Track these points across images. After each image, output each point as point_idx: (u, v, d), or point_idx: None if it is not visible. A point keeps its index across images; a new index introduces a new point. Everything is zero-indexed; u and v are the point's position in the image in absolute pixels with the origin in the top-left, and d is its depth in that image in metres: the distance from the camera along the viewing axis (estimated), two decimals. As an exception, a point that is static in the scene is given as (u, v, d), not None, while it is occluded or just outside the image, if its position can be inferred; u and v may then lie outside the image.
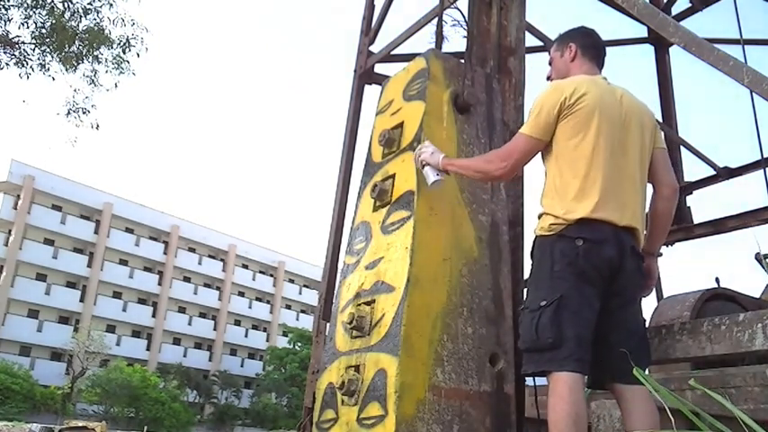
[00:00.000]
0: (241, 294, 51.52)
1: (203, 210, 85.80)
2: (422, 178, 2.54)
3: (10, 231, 38.61)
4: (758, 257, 4.13)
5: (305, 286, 55.74)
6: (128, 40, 11.01)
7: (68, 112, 11.16)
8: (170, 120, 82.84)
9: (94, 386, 34.66)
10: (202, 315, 48.80)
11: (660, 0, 5.82)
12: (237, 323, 50.90)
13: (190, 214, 79.96)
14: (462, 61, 3.00)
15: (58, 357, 39.38)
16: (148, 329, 44.92)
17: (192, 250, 49.12)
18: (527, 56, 3.44)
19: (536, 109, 2.27)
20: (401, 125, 2.84)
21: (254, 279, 52.38)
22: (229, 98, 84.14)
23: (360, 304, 2.55)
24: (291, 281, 55.76)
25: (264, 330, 52.81)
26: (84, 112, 11.19)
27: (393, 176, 2.74)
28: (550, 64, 2.55)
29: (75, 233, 41.55)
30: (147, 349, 44.26)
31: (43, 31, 10.32)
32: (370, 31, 5.26)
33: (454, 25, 3.15)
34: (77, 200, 41.93)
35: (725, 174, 5.35)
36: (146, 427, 32.70)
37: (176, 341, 46.77)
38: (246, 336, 50.63)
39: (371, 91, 5.25)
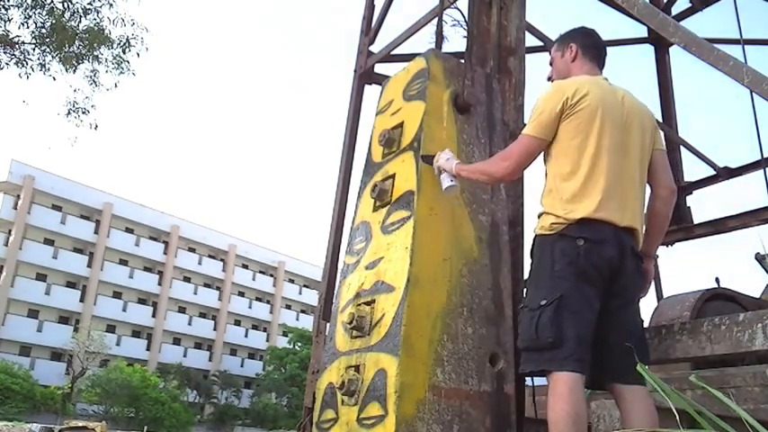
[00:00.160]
0: (241, 294, 51.52)
1: (203, 210, 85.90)
2: (422, 179, 2.56)
3: (10, 231, 38.61)
4: (758, 257, 4.13)
5: (305, 286, 55.74)
6: (128, 40, 11.02)
7: (68, 112, 11.18)
8: (170, 120, 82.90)
9: (94, 386, 34.66)
10: (202, 315, 48.79)
11: (660, 0, 5.82)
12: (237, 323, 50.90)
13: (190, 214, 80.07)
14: (462, 61, 3.00)
15: (58, 357, 39.38)
16: (148, 329, 44.91)
17: (192, 250, 49.12)
18: (527, 56, 3.44)
19: (538, 109, 2.28)
20: (401, 125, 2.84)
21: (254, 279, 52.38)
22: (229, 98, 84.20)
23: (360, 304, 2.55)
24: (291, 281, 55.76)
25: (264, 330, 52.81)
26: (83, 112, 11.21)
27: (393, 176, 2.74)
28: (551, 64, 2.55)
29: (75, 233, 41.55)
30: (147, 349, 44.26)
31: (43, 31, 10.32)
32: (370, 31, 5.26)
33: (454, 25, 3.15)
34: (77, 200, 41.93)
35: (725, 174, 5.35)
36: (146, 427, 32.69)
37: (176, 341, 46.76)
38: (246, 336, 50.63)
39: (371, 91, 5.25)
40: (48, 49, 10.47)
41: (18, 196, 39.12)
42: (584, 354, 2.06)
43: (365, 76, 5.12)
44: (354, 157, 4.99)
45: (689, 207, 5.53)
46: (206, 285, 49.50)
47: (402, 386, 2.21)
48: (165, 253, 46.74)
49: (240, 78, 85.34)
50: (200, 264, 48.99)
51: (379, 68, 5.14)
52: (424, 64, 2.88)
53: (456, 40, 3.18)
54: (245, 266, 52.20)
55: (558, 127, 2.24)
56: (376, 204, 2.77)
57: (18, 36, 10.40)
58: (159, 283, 46.03)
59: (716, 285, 3.72)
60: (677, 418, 1.08)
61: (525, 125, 2.37)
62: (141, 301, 45.20)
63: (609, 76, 2.46)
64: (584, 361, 2.06)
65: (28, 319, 38.68)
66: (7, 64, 10.47)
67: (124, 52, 10.99)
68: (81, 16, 10.36)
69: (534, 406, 2.47)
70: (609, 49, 2.59)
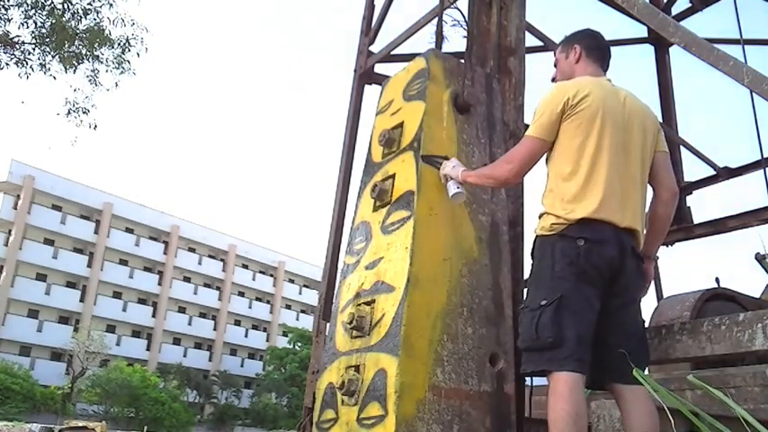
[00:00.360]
0: (241, 294, 51.51)
1: (203, 210, 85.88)
2: (422, 179, 2.56)
3: (10, 231, 38.61)
4: (758, 257, 4.13)
5: (305, 286, 55.73)
6: (127, 40, 11.01)
7: (68, 112, 11.16)
8: (170, 120, 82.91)
9: (94, 386, 34.65)
10: (202, 315, 48.79)
11: (660, 0, 5.82)
12: (237, 323, 50.89)
13: (190, 214, 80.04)
14: (462, 61, 3.00)
15: (58, 357, 39.37)
16: (148, 329, 44.91)
17: (192, 250, 49.12)
18: (527, 56, 3.44)
19: (539, 111, 2.29)
20: (401, 125, 2.84)
21: (254, 279, 52.36)
22: (229, 98, 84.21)
23: (360, 304, 2.55)
24: (291, 281, 55.75)
25: (264, 330, 52.81)
26: (84, 112, 11.19)
27: (393, 176, 2.74)
28: (555, 66, 2.57)
29: (75, 233, 41.55)
30: (147, 349, 44.25)
31: (43, 31, 10.32)
32: (370, 31, 5.26)
33: (454, 25, 3.15)
34: (77, 200, 41.92)
35: (725, 174, 5.35)
36: (146, 427, 32.69)
37: (176, 341, 46.76)
38: (246, 336, 50.62)
39: (371, 91, 5.25)
40: (48, 49, 10.47)
41: (18, 196, 39.11)
42: (585, 354, 2.06)
43: (365, 76, 5.12)
44: (354, 157, 4.99)
45: (689, 207, 5.53)
46: (206, 285, 49.49)
47: (402, 386, 2.21)
48: (165, 253, 46.74)
49: (240, 78, 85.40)
50: (200, 264, 48.99)
51: (379, 68, 5.14)
52: (423, 64, 2.88)
53: (456, 40, 3.18)
54: (245, 266, 52.19)
55: (560, 127, 2.25)
56: (376, 204, 2.77)
57: (18, 36, 10.40)
58: (159, 283, 46.02)
59: (716, 285, 3.72)
60: (672, 421, 1.08)
61: (526, 125, 2.37)
62: (141, 301, 45.19)
63: (609, 76, 2.46)
64: (585, 361, 2.06)
65: (28, 319, 38.67)
66: (7, 64, 10.47)
67: (124, 52, 10.99)
68: (81, 17, 10.36)
69: (530, 404, 2.47)
70: (609, 50, 2.59)
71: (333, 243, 4.84)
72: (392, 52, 4.97)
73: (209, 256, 49.98)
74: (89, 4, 10.44)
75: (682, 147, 5.70)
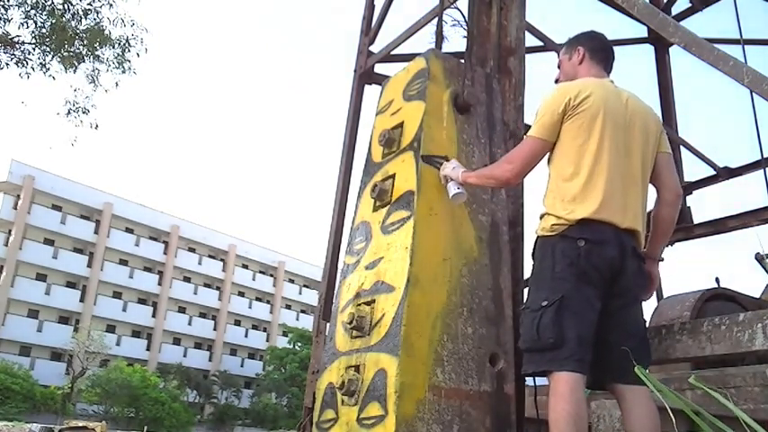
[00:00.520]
0: (241, 294, 51.51)
1: (203, 210, 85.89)
2: (422, 179, 2.56)
3: (10, 231, 38.61)
4: (758, 257, 4.13)
5: (305, 286, 55.72)
6: (127, 40, 11.01)
7: (68, 112, 11.16)
8: (170, 119, 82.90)
9: (94, 386, 34.65)
10: (202, 315, 48.79)
11: (660, 0, 5.82)
12: (237, 323, 50.88)
13: (190, 214, 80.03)
14: (462, 61, 3.00)
15: (58, 357, 39.37)
16: (148, 329, 44.91)
17: (192, 250, 49.11)
18: (527, 56, 3.44)
19: (541, 111, 2.30)
20: (401, 125, 2.84)
21: (254, 279, 52.36)
22: (229, 98, 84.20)
23: (360, 304, 2.55)
24: (291, 281, 55.75)
25: (264, 330, 52.81)
26: (84, 112, 11.19)
27: (393, 176, 2.74)
28: (559, 67, 2.58)
29: (75, 233, 41.55)
30: (147, 349, 44.25)
31: (43, 31, 10.32)
32: (370, 31, 5.26)
33: (454, 25, 3.14)
34: (77, 200, 41.92)
35: (725, 174, 5.35)
36: (146, 427, 32.69)
37: (176, 341, 46.76)
38: (246, 336, 50.62)
39: (371, 91, 5.25)
40: (48, 49, 10.47)
41: (18, 196, 39.11)
42: (585, 354, 2.06)
43: (365, 76, 5.12)
44: (354, 157, 4.99)
45: (689, 207, 5.54)
46: (206, 285, 49.48)
47: (402, 386, 2.21)
48: (165, 253, 46.74)
49: (240, 78, 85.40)
50: (200, 264, 48.98)
51: (379, 68, 5.14)
52: (423, 64, 2.88)
53: (456, 40, 3.18)
54: (245, 266, 52.18)
55: (561, 128, 2.25)
56: (376, 204, 2.77)
57: (18, 36, 10.40)
58: (159, 283, 46.01)
59: (716, 285, 3.72)
60: (674, 420, 1.08)
61: (526, 125, 2.38)
62: (141, 301, 45.18)
63: (610, 76, 2.47)
64: (585, 361, 2.06)
65: (28, 319, 38.67)
66: (7, 64, 10.46)
67: (124, 53, 10.99)
68: (81, 17, 10.36)
69: (536, 406, 2.46)
70: (609, 50, 2.59)
71: (333, 243, 4.84)
72: (392, 52, 4.97)
73: (209, 256, 49.97)
74: (89, 4, 10.44)
75: (682, 147, 5.71)
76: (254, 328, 52.27)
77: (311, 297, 51.64)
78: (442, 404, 2.30)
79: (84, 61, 10.74)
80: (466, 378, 2.40)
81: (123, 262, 44.60)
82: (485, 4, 3.40)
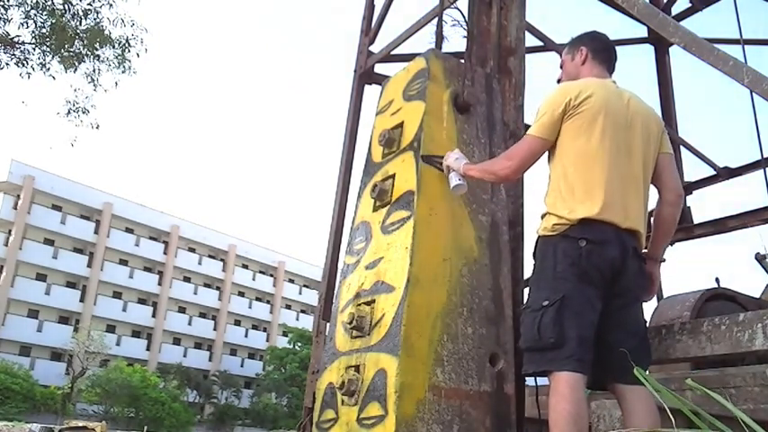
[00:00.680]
0: (241, 294, 51.50)
1: (203, 210, 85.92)
2: (422, 179, 2.56)
3: (10, 231, 38.60)
4: (758, 257, 4.13)
5: (305, 286, 55.71)
6: (127, 40, 11.02)
7: (68, 112, 11.17)
8: (170, 119, 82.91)
9: (94, 386, 34.65)
10: (202, 315, 48.78)
11: (660, 0, 5.82)
12: (237, 323, 50.88)
13: (190, 214, 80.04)
14: (462, 61, 3.00)
15: (58, 357, 39.37)
16: (148, 329, 44.90)
17: (192, 250, 49.11)
18: (527, 56, 3.44)
19: (542, 110, 2.30)
20: (401, 125, 2.84)
21: (254, 279, 52.36)
22: (229, 98, 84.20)
23: (360, 304, 2.54)
24: (291, 281, 55.74)
25: (264, 330, 52.80)
26: (84, 112, 11.20)
27: (393, 176, 2.74)
28: (561, 67, 2.57)
29: (75, 233, 41.54)
30: (147, 349, 44.25)
31: (43, 31, 10.32)
32: (370, 31, 5.25)
33: (454, 25, 3.14)
34: (77, 200, 41.92)
35: (725, 174, 5.35)
36: (146, 427, 32.68)
37: (176, 341, 46.75)
38: (246, 336, 50.62)
39: (371, 91, 5.25)
40: (48, 50, 10.47)
41: (18, 196, 39.11)
42: (586, 354, 2.06)
43: (365, 76, 5.12)
44: (354, 157, 4.99)
45: (689, 207, 5.53)
46: (206, 285, 49.48)
47: (402, 386, 2.21)
48: (165, 253, 46.73)
49: (240, 78, 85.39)
50: (200, 264, 48.97)
51: (379, 68, 5.14)
52: (423, 64, 2.88)
53: (456, 40, 3.18)
54: (245, 266, 52.18)
55: (561, 128, 2.25)
56: (376, 204, 2.77)
57: (18, 36, 10.40)
58: (159, 283, 46.01)
59: (716, 285, 3.72)
60: (673, 420, 1.08)
61: (526, 125, 2.38)
62: (141, 301, 45.18)
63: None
64: (586, 361, 2.06)
65: (28, 319, 38.67)
66: (7, 64, 10.47)
67: (124, 52, 11.00)
68: (81, 17, 10.36)
69: (537, 405, 2.46)
70: (609, 50, 2.59)
71: (333, 243, 4.83)
72: (392, 52, 4.96)
73: (209, 256, 49.96)
74: (89, 4, 10.45)
75: (682, 147, 5.70)
76: (254, 328, 52.26)
77: (311, 297, 51.64)
78: (442, 404, 2.30)
79: (84, 61, 10.75)
80: (466, 378, 2.40)
81: (123, 262, 44.59)
82: (485, 4, 3.40)
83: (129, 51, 11.02)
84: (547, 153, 2.34)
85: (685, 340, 2.40)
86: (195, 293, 48.32)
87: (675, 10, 5.76)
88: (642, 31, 6.00)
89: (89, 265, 41.95)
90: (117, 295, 43.77)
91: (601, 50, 2.47)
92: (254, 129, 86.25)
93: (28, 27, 10.27)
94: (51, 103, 30.53)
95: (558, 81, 2.57)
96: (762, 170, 4.42)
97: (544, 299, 2.13)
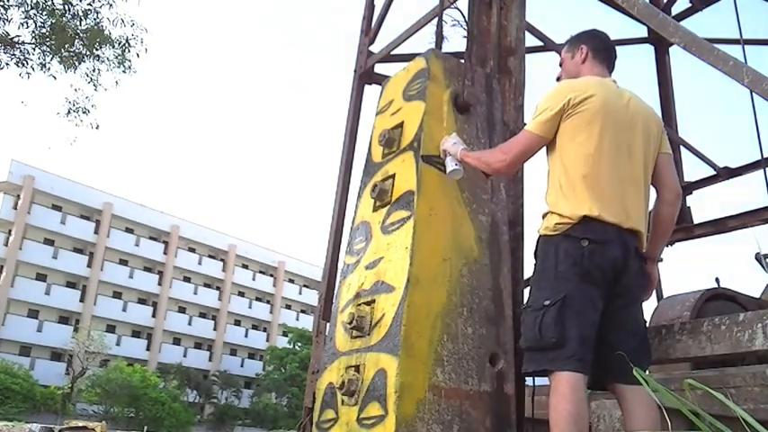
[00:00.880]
0: (241, 294, 51.50)
1: (203, 210, 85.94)
2: (422, 179, 2.56)
3: (10, 231, 38.60)
4: (758, 257, 4.12)
5: (305, 286, 55.71)
6: (127, 40, 11.02)
7: (68, 112, 11.18)
8: (170, 119, 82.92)
9: (94, 386, 34.65)
10: (202, 315, 48.78)
11: (660, 0, 5.82)
12: (237, 323, 50.88)
13: (190, 214, 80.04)
14: (462, 61, 3.00)
15: (58, 357, 39.37)
16: (148, 329, 44.90)
17: (192, 250, 49.10)
18: (527, 56, 3.43)
19: (541, 106, 2.29)
20: (401, 125, 2.84)
21: (254, 279, 52.35)
22: (229, 98, 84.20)
23: (360, 304, 2.54)
24: (291, 281, 55.73)
25: (264, 330, 52.79)
26: (84, 112, 11.21)
27: (393, 176, 2.74)
28: (561, 65, 2.57)
29: (75, 233, 41.54)
30: (147, 349, 44.25)
31: (43, 31, 10.32)
32: (370, 31, 5.25)
33: (454, 25, 3.14)
34: (77, 200, 41.92)
35: (725, 174, 5.35)
36: (146, 427, 32.67)
37: (176, 341, 46.75)
38: (246, 336, 50.62)
39: (371, 91, 5.25)
40: (48, 50, 10.48)
41: (18, 196, 39.11)
42: (586, 354, 2.06)
43: (365, 76, 5.12)
44: (354, 157, 4.99)
45: (689, 207, 5.53)
46: (206, 285, 49.48)
47: (402, 386, 2.21)
48: (165, 253, 46.73)
49: (240, 78, 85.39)
50: (200, 264, 48.98)
51: (379, 68, 5.13)
52: (423, 64, 2.88)
53: (456, 40, 3.18)
54: (245, 266, 52.17)
55: (560, 126, 2.25)
56: (376, 204, 2.77)
57: (18, 36, 10.40)
58: (159, 283, 46.01)
59: (716, 285, 3.71)
60: (669, 421, 1.08)
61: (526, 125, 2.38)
62: (141, 301, 45.18)
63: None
64: (586, 361, 2.06)
65: (28, 319, 38.67)
66: (7, 64, 10.48)
67: (124, 52, 11.00)
68: (81, 17, 10.36)
69: (532, 405, 2.47)
70: (609, 50, 2.58)
71: (333, 243, 4.83)
72: (392, 52, 4.96)
73: (210, 256, 49.97)
74: (89, 4, 10.45)
75: (682, 147, 5.70)
76: (254, 328, 52.26)
77: (311, 297, 51.64)
78: (442, 404, 2.30)
79: (84, 61, 10.75)
80: (466, 378, 2.40)
81: (123, 262, 44.60)
82: (485, 4, 3.40)
83: (129, 51, 11.03)
84: (545, 150, 2.34)
85: (685, 340, 2.40)
86: (195, 293, 48.32)
87: (675, 10, 5.76)
88: (642, 31, 6.00)
89: (89, 265, 41.94)
90: (117, 295, 43.77)
91: (601, 49, 2.47)
92: (254, 129, 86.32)
93: (28, 27, 10.28)
94: (51, 103, 30.55)
95: (558, 79, 2.57)
96: (762, 170, 4.41)
97: (545, 298, 2.12)
